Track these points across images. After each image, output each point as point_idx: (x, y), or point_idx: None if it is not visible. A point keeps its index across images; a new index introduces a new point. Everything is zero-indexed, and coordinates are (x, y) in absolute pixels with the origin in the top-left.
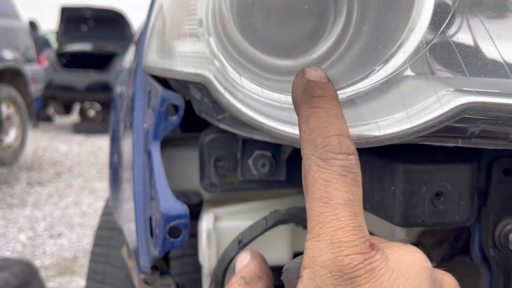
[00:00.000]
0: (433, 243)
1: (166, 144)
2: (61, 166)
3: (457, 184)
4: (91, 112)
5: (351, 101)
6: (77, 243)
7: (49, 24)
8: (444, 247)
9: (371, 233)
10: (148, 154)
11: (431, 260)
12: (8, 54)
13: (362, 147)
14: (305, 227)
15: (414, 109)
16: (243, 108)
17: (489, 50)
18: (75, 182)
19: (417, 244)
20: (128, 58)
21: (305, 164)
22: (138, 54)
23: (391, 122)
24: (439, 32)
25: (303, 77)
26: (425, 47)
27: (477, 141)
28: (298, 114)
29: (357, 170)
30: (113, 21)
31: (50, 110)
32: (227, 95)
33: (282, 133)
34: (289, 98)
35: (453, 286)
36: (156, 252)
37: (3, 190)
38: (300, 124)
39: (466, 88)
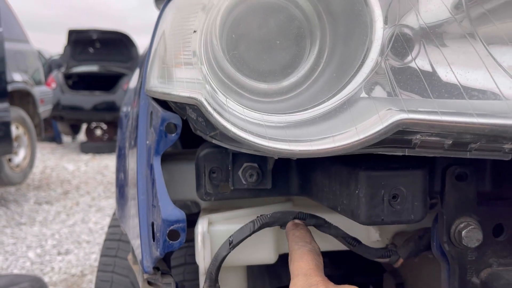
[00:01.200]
0: (403, 242)
1: (167, 158)
2: (69, 184)
3: (411, 187)
4: (98, 132)
5: (315, 120)
6: (85, 260)
7: (57, 47)
8: (410, 245)
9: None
10: (151, 167)
11: (399, 257)
12: (18, 77)
13: (321, 155)
14: None
15: (362, 125)
16: (229, 126)
17: (444, 74)
18: (82, 200)
19: (390, 244)
20: (134, 79)
21: (290, 250)
22: (142, 78)
23: (344, 137)
24: (383, 57)
25: (293, 222)
26: (375, 67)
27: (420, 150)
28: (288, 234)
29: (319, 251)
30: (119, 43)
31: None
32: (215, 115)
33: (259, 146)
34: (265, 117)
35: None
36: (157, 253)
37: (11, 209)
38: (289, 238)
39: (401, 108)
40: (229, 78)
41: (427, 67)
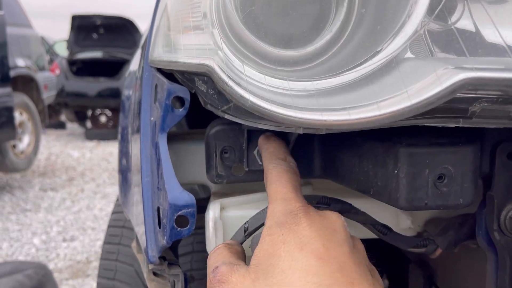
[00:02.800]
0: (439, 229)
1: (174, 138)
2: (74, 171)
3: (460, 166)
4: (103, 119)
5: (353, 85)
6: (90, 246)
7: (60, 33)
8: (449, 234)
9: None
10: (156, 146)
11: (437, 246)
12: (21, 62)
13: (363, 127)
14: None
15: (414, 88)
16: (246, 95)
17: (489, 35)
18: (87, 186)
19: (423, 232)
20: (135, 61)
21: (265, 170)
22: (145, 52)
23: (391, 102)
24: (435, 14)
25: (264, 134)
26: (422, 27)
27: (478, 121)
28: (261, 150)
29: (296, 168)
30: (123, 29)
31: (62, 117)
32: (231, 83)
33: (284, 117)
34: (291, 85)
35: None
36: (163, 241)
37: (17, 195)
38: (263, 154)
39: (465, 65)
40: (245, 44)
41: (471, 28)
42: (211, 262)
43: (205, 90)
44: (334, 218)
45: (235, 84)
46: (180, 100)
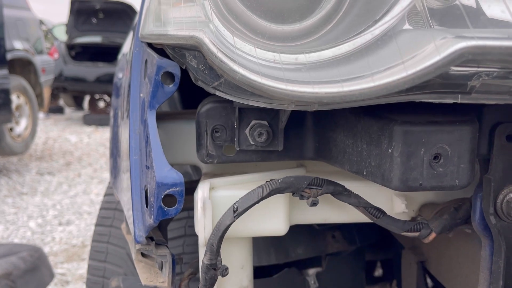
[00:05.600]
0: (434, 214)
1: (165, 117)
2: (71, 156)
3: (457, 146)
4: (101, 104)
5: (347, 58)
6: (86, 231)
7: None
8: (444, 218)
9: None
10: (144, 123)
11: (431, 231)
12: (18, 45)
13: (356, 99)
14: (301, 196)
15: (410, 59)
16: (235, 67)
17: (491, 11)
18: (84, 171)
19: (417, 216)
20: (127, 43)
21: None
22: (136, 26)
23: (387, 74)
24: None
25: None
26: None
27: (478, 96)
28: None
29: None
30: (122, 13)
31: (61, 101)
32: (220, 55)
33: (274, 90)
34: (282, 57)
35: None
36: (151, 220)
37: (13, 179)
38: None
39: (466, 34)
40: (237, 17)
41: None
42: None
43: (196, 66)
44: None
45: (225, 56)
46: (170, 76)
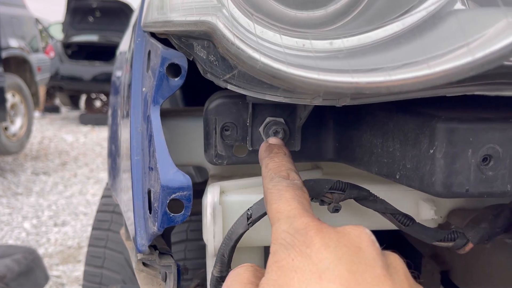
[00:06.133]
0: (468, 222)
1: (169, 114)
2: (67, 155)
3: (510, 146)
4: (97, 103)
5: (392, 41)
6: (81, 232)
7: (54, 16)
8: (482, 226)
9: None
10: (147, 120)
11: (468, 241)
12: (14, 43)
13: (407, 91)
14: (322, 202)
15: (477, 39)
16: (256, 54)
17: None
18: (80, 171)
19: (447, 224)
20: (125, 40)
21: (265, 189)
22: (137, 21)
23: (447, 59)
24: None
25: (266, 143)
26: None
27: None
28: (261, 164)
29: (301, 184)
30: (119, 12)
31: (57, 101)
32: (237, 41)
33: (305, 81)
34: (314, 44)
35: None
36: (154, 228)
37: (8, 178)
38: (262, 170)
39: None
40: (255, 4)
41: None
42: (228, 283)
43: (205, 57)
44: (357, 233)
45: (242, 43)
46: (176, 68)
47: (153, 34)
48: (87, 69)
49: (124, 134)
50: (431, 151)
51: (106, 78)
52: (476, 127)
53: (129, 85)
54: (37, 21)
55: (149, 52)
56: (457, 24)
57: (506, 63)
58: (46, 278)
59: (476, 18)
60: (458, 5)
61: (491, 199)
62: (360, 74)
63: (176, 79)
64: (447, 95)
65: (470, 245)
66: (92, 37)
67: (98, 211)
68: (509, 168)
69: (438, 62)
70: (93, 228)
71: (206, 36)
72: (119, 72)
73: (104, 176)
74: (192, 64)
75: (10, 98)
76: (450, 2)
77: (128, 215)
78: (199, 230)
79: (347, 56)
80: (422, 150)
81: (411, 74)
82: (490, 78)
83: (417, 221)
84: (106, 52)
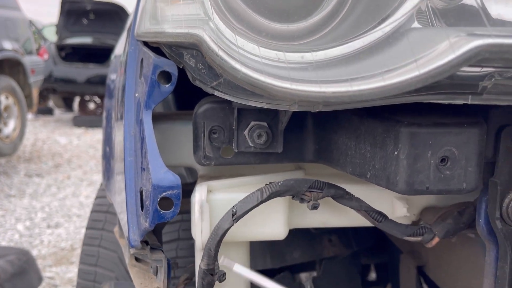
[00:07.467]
0: (436, 218)
1: (161, 118)
2: (60, 158)
3: (465, 148)
4: (91, 106)
5: (356, 56)
6: (75, 234)
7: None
8: (448, 222)
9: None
10: (140, 124)
11: (434, 235)
12: (8, 45)
13: (366, 99)
14: (302, 200)
15: (423, 57)
16: (237, 65)
17: (496, 10)
18: (74, 173)
19: (418, 220)
20: (120, 44)
21: None
22: (130, 33)
23: (398, 73)
24: None
25: None
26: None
27: (489, 97)
28: None
29: None
30: (113, 15)
31: (50, 103)
32: (221, 53)
33: (279, 90)
34: (288, 56)
35: None
36: (146, 224)
37: (1, 181)
38: None
39: (482, 32)
40: (238, 16)
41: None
42: None
43: (193, 65)
44: None
45: (226, 54)
46: (167, 75)
47: (145, 43)
48: (81, 71)
49: (118, 136)
50: (396, 153)
51: (100, 81)
52: (434, 132)
53: (123, 90)
54: (30, 23)
55: (142, 60)
56: (407, 43)
57: (458, 73)
58: (40, 279)
59: (424, 38)
60: (415, 25)
61: (459, 197)
62: (327, 85)
63: (167, 85)
64: (406, 102)
65: (436, 239)
66: (86, 39)
67: (93, 211)
68: (464, 168)
69: (391, 76)
70: (88, 228)
71: (195, 46)
72: (114, 76)
73: (97, 178)
74: (183, 70)
75: (4, 100)
76: (406, 23)
77: (122, 213)
78: (190, 229)
79: (316, 68)
80: (388, 152)
81: (369, 86)
82: (443, 88)
83: (390, 218)
84: (100, 55)
